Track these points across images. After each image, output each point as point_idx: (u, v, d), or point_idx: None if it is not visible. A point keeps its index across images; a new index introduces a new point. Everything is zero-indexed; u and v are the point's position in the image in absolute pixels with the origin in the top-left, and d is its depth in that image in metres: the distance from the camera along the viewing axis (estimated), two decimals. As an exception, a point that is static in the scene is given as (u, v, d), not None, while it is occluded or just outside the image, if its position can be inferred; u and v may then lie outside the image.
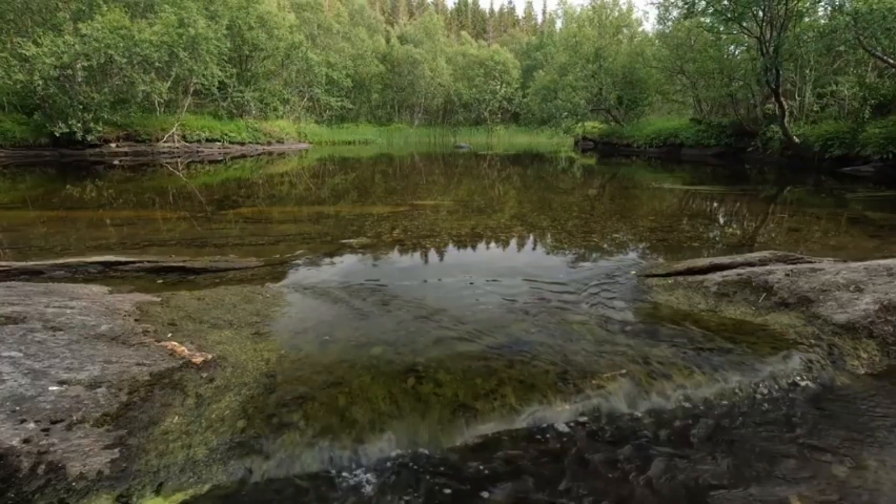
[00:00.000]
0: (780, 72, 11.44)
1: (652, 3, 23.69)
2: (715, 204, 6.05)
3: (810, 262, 2.57)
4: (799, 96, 12.87)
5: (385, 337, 1.80)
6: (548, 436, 1.33)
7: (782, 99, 11.44)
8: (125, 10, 14.02)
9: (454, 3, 65.48)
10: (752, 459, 1.26)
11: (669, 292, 2.38)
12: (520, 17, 70.36)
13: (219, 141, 16.77)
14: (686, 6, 13.17)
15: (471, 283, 2.53)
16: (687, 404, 1.47)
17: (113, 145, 14.05)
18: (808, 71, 12.54)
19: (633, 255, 3.30)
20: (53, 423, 1.16)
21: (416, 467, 1.21)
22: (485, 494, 1.13)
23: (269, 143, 18.70)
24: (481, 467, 1.21)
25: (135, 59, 13.37)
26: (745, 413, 1.45)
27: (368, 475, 1.17)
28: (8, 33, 13.37)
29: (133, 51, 13.16)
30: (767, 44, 11.24)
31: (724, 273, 2.46)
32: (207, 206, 5.36)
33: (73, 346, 1.50)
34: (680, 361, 1.62)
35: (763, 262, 2.63)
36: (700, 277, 2.48)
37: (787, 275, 2.24)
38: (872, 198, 6.50)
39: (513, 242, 3.70)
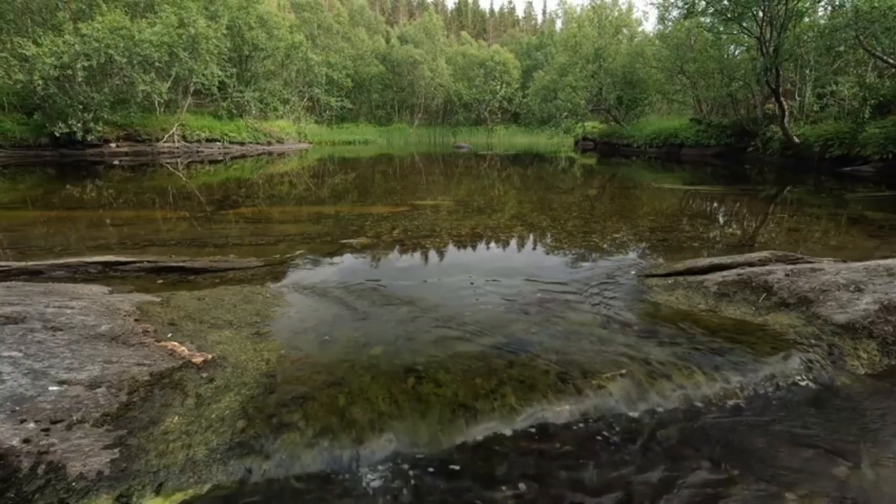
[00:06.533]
0: (780, 72, 11.46)
1: (652, 4, 23.67)
2: (715, 204, 6.04)
3: (810, 262, 2.57)
4: (799, 96, 12.88)
5: (385, 337, 1.80)
6: (548, 436, 1.32)
7: (782, 99, 11.45)
8: (125, 10, 14.03)
9: (454, 4, 65.57)
10: (752, 459, 1.26)
11: (669, 292, 2.38)
12: (520, 18, 70.51)
13: (219, 141, 16.78)
14: (686, 6, 13.19)
15: (471, 283, 2.53)
16: (687, 404, 1.47)
17: (113, 145, 14.05)
18: (808, 71, 12.55)
19: (633, 255, 3.29)
20: (53, 423, 1.16)
21: (415, 467, 1.21)
22: (484, 495, 1.13)
23: (269, 143, 18.71)
24: (481, 467, 1.21)
25: (135, 59, 13.38)
26: (745, 413, 1.45)
27: (368, 475, 1.17)
28: (8, 33, 13.35)
29: (133, 51, 13.17)
30: (767, 44, 11.26)
31: (724, 273, 2.46)
32: (207, 206, 5.36)
33: (73, 346, 1.50)
34: (680, 362, 1.62)
35: (763, 263, 2.63)
36: (700, 277, 2.47)
37: (787, 275, 2.24)
38: (872, 198, 6.50)
39: (513, 242, 3.70)
